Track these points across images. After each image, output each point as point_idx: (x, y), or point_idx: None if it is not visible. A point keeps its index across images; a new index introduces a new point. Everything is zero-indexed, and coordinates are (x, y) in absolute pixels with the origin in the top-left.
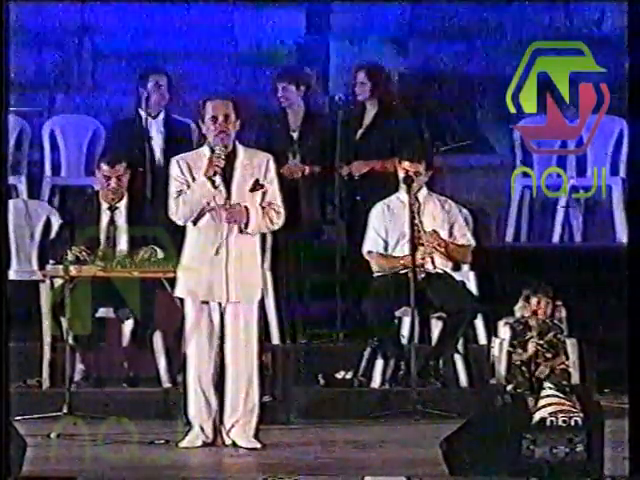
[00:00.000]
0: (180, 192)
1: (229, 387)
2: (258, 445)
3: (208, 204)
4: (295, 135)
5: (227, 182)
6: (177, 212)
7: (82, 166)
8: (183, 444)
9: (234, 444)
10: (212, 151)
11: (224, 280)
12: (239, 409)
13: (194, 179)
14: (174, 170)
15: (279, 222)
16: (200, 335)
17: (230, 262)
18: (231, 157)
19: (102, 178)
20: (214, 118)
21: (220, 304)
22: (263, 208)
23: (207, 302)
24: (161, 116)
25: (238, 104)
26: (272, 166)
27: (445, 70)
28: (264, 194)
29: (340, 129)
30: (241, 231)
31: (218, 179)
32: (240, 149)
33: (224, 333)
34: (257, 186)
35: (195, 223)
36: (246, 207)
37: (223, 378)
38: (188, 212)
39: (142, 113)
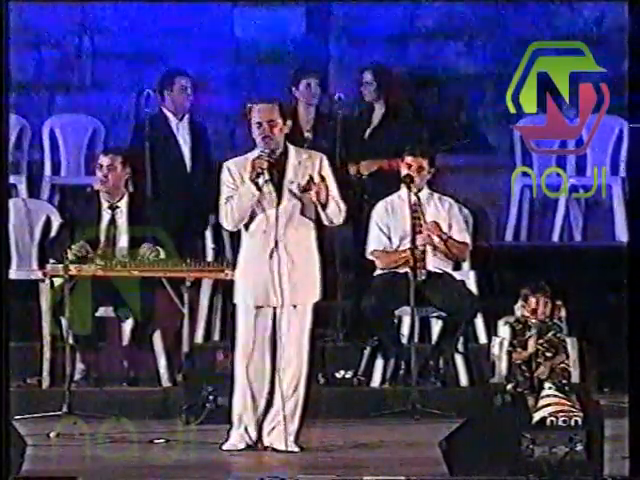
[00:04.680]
0: (229, 198)
1: (279, 391)
2: (297, 449)
3: (258, 207)
4: (309, 135)
5: (279, 184)
6: (227, 218)
7: (82, 165)
8: (226, 447)
9: (273, 448)
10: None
11: (278, 284)
12: (282, 412)
13: (244, 183)
14: (224, 175)
15: (342, 216)
16: (252, 339)
17: (283, 266)
18: (282, 159)
19: (102, 170)
20: (259, 124)
21: (274, 308)
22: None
23: (261, 306)
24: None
25: (284, 107)
26: (326, 164)
27: (445, 70)
28: (317, 194)
29: (347, 128)
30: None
31: (261, 181)
32: (291, 150)
33: (277, 336)
34: (310, 185)
35: (247, 228)
36: (326, 186)
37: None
38: (237, 217)
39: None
